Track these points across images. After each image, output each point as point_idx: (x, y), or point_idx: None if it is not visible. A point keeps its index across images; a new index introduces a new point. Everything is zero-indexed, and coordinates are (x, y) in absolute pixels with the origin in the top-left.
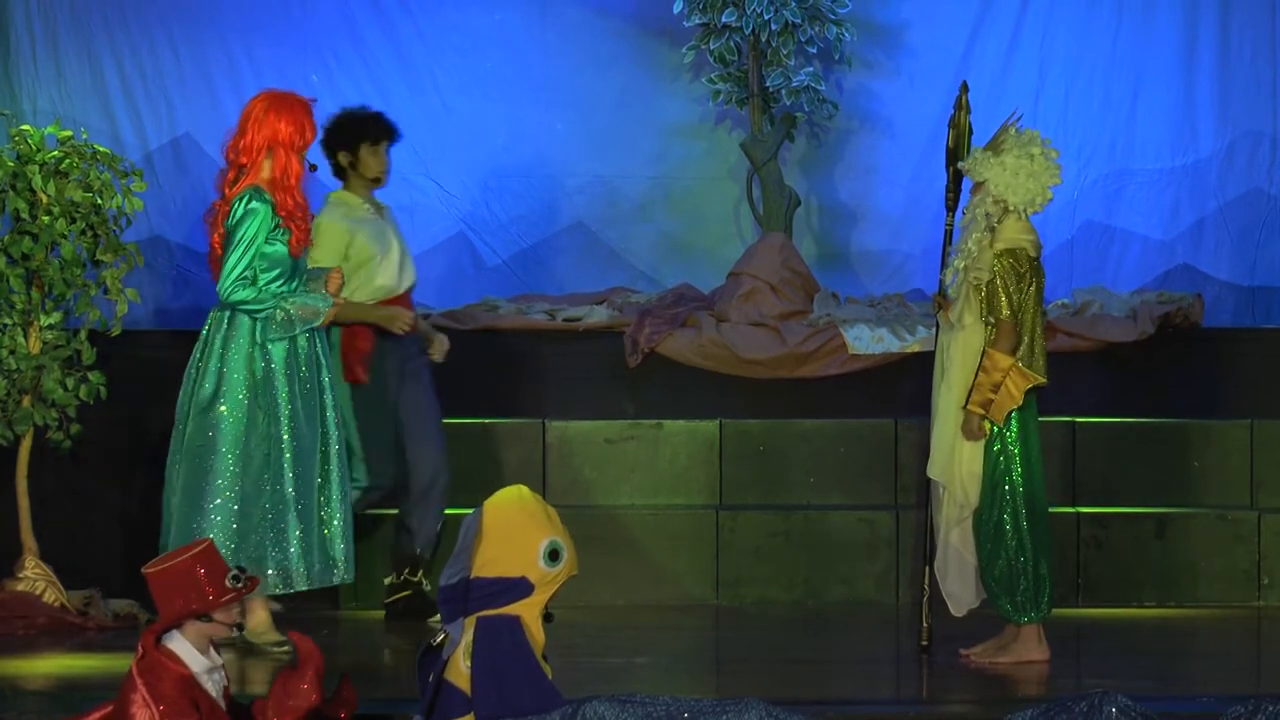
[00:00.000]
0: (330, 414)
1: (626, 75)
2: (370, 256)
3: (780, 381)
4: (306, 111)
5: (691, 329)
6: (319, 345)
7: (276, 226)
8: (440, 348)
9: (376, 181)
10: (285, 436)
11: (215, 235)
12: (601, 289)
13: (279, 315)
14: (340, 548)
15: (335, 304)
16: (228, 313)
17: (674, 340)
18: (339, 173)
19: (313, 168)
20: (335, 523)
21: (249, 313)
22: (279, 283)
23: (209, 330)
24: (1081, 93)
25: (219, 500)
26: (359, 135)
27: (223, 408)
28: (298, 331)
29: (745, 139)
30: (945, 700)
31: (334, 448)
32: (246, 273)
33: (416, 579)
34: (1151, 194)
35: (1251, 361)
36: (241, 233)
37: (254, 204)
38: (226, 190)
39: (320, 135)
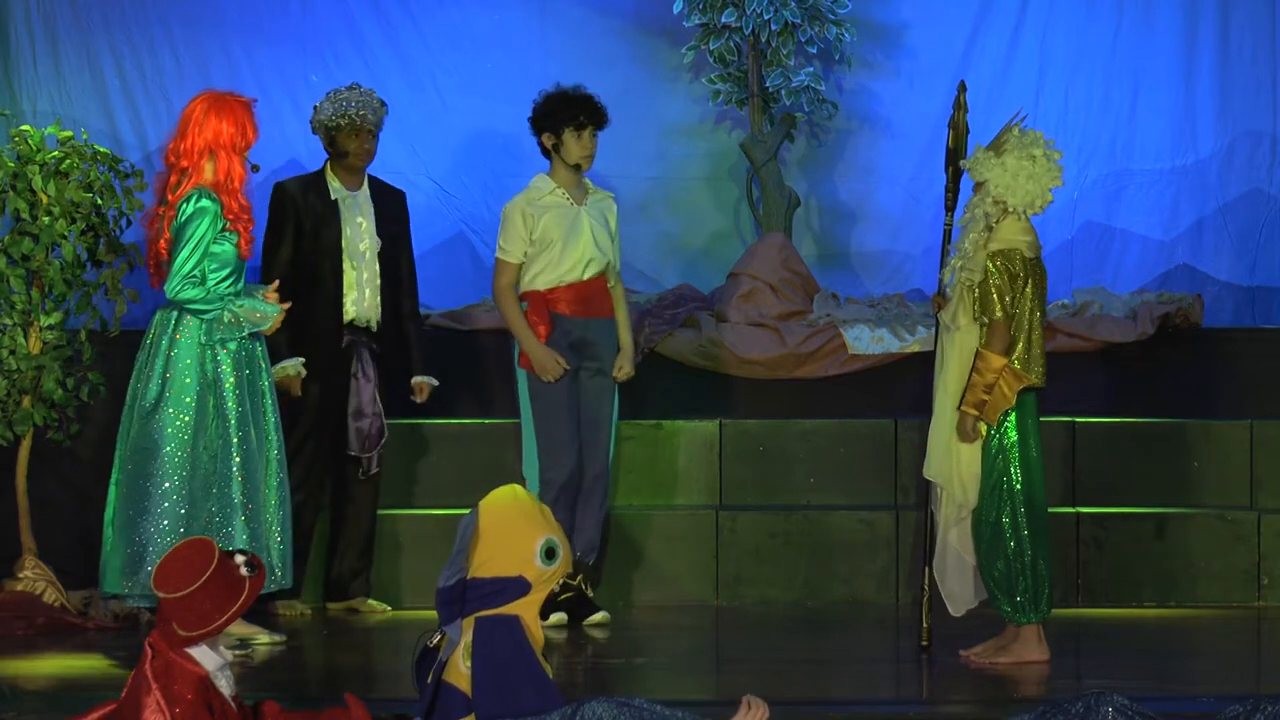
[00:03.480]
0: (271, 419)
1: (626, 75)
2: (551, 241)
3: (780, 381)
4: (248, 112)
5: (691, 329)
6: (259, 350)
7: (224, 228)
8: (622, 370)
9: (578, 167)
10: (234, 440)
11: (160, 241)
12: None
13: (226, 316)
14: (277, 554)
15: (283, 311)
16: (174, 314)
17: (674, 340)
18: (546, 153)
19: (254, 168)
20: (274, 529)
21: (196, 312)
22: (228, 283)
23: (154, 332)
24: (1081, 93)
25: (166, 504)
26: (564, 119)
27: (170, 410)
28: (244, 334)
29: (745, 139)
30: (945, 700)
31: (273, 454)
32: (195, 272)
33: (576, 581)
34: (1151, 194)
35: (1251, 361)
36: (190, 231)
37: (204, 203)
38: (169, 195)
39: (530, 114)
